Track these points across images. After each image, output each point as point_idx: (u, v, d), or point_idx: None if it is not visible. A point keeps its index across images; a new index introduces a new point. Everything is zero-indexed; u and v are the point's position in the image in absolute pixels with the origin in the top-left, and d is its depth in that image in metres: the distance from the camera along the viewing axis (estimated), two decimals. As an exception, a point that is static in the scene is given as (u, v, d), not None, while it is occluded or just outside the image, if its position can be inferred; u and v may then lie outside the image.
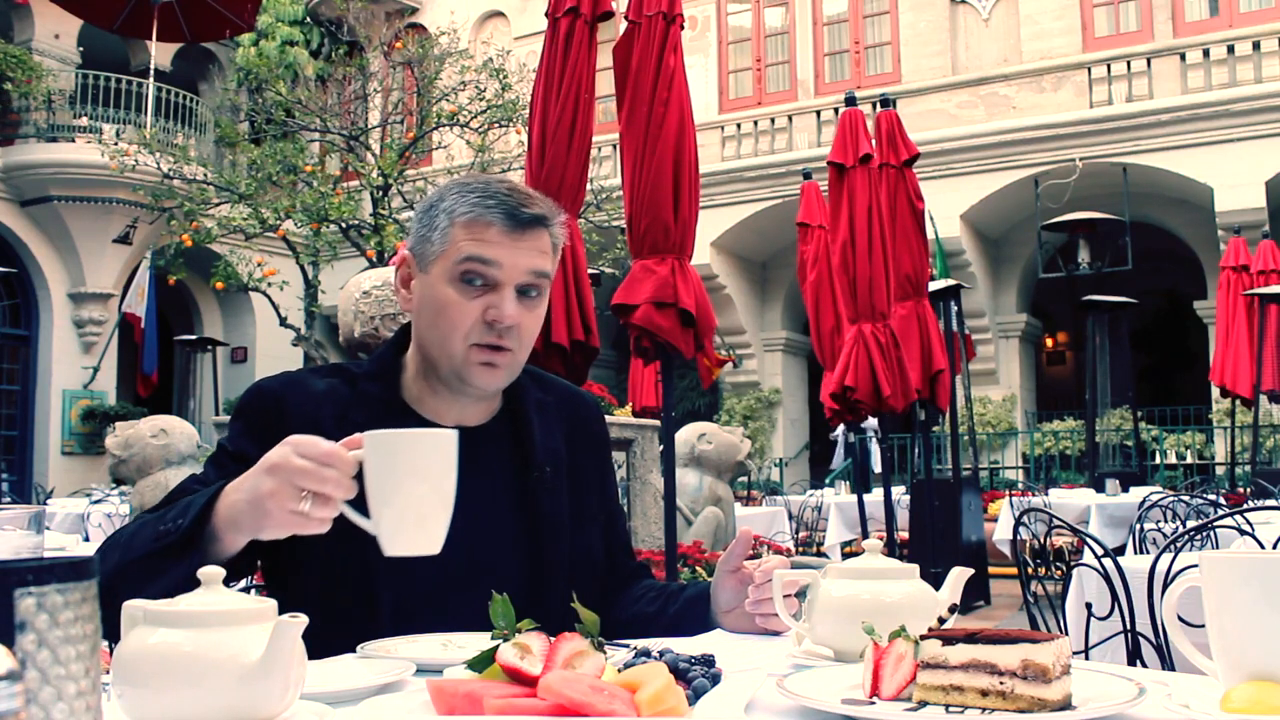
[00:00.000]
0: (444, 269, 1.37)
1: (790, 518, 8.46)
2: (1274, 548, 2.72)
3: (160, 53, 13.86)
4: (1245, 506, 3.91)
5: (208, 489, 1.21)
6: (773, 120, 14.50)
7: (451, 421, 1.44)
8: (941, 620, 1.09)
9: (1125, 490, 7.84)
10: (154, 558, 1.19)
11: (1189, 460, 12.72)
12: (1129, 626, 2.48)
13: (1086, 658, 2.50)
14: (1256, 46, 12.03)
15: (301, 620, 0.84)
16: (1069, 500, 7.82)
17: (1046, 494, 8.56)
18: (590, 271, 5.45)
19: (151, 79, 13.70)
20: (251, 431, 1.39)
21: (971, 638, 0.92)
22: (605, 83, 4.55)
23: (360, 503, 1.08)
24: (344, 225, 11.36)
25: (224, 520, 1.16)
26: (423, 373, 1.44)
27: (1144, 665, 2.47)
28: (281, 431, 1.33)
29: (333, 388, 1.42)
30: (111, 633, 0.89)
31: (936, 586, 1.19)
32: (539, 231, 1.39)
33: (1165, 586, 2.23)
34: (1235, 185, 11.56)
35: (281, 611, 0.87)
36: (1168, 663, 2.37)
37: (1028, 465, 13.48)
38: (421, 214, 1.43)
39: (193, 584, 1.15)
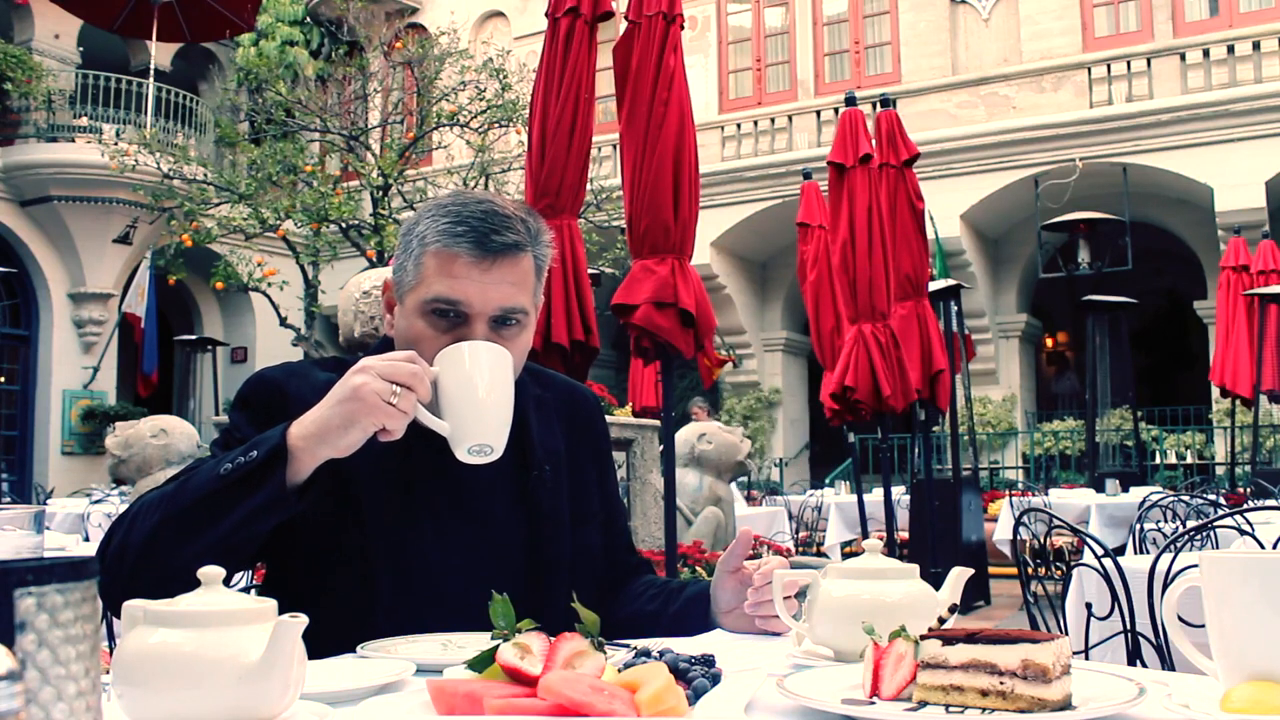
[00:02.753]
0: (416, 303, 1.34)
1: (790, 518, 8.45)
2: (1274, 548, 2.72)
3: (160, 53, 13.85)
4: (1245, 506, 3.91)
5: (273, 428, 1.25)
6: (773, 120, 14.50)
7: None
8: (941, 620, 1.09)
9: (1125, 490, 7.84)
10: (216, 496, 1.21)
11: (1189, 460, 12.72)
12: (1129, 626, 2.48)
13: (1086, 658, 2.50)
14: (1256, 46, 12.03)
15: (301, 620, 0.84)
16: (1069, 500, 7.81)
17: (1046, 494, 8.56)
18: (590, 271, 5.45)
19: (151, 79, 13.70)
20: (256, 419, 1.38)
21: (971, 638, 0.92)
22: (605, 83, 4.55)
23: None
24: (344, 225, 11.35)
25: (305, 438, 1.21)
26: None
27: (1144, 665, 2.47)
28: (285, 419, 1.34)
29: (332, 381, 1.42)
30: (156, 588, 0.92)
31: (936, 586, 1.19)
32: (514, 259, 1.33)
33: (1165, 586, 2.23)
34: (1235, 185, 11.56)
35: (281, 611, 0.87)
36: (1168, 663, 2.37)
37: (1028, 465, 13.48)
38: (402, 237, 1.40)
39: (266, 517, 1.21)
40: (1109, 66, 12.74)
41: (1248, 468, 9.86)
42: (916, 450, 8.23)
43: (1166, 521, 4.48)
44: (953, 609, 1.13)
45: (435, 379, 1.24)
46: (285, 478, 1.21)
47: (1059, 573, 5.05)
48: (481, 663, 0.91)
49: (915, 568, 1.20)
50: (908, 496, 7.94)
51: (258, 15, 13.66)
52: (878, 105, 7.07)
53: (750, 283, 15.48)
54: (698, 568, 4.50)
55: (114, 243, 13.79)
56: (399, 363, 1.21)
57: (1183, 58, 12.35)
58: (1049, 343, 17.11)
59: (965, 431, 9.91)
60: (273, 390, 1.40)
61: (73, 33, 14.33)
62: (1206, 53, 12.24)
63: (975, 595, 7.33)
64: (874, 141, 6.53)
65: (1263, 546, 2.94)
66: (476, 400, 1.25)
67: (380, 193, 11.28)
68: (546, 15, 4.36)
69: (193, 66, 16.27)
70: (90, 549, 4.18)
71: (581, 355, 4.12)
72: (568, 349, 4.02)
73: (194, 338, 15.03)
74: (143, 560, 1.21)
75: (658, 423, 5.33)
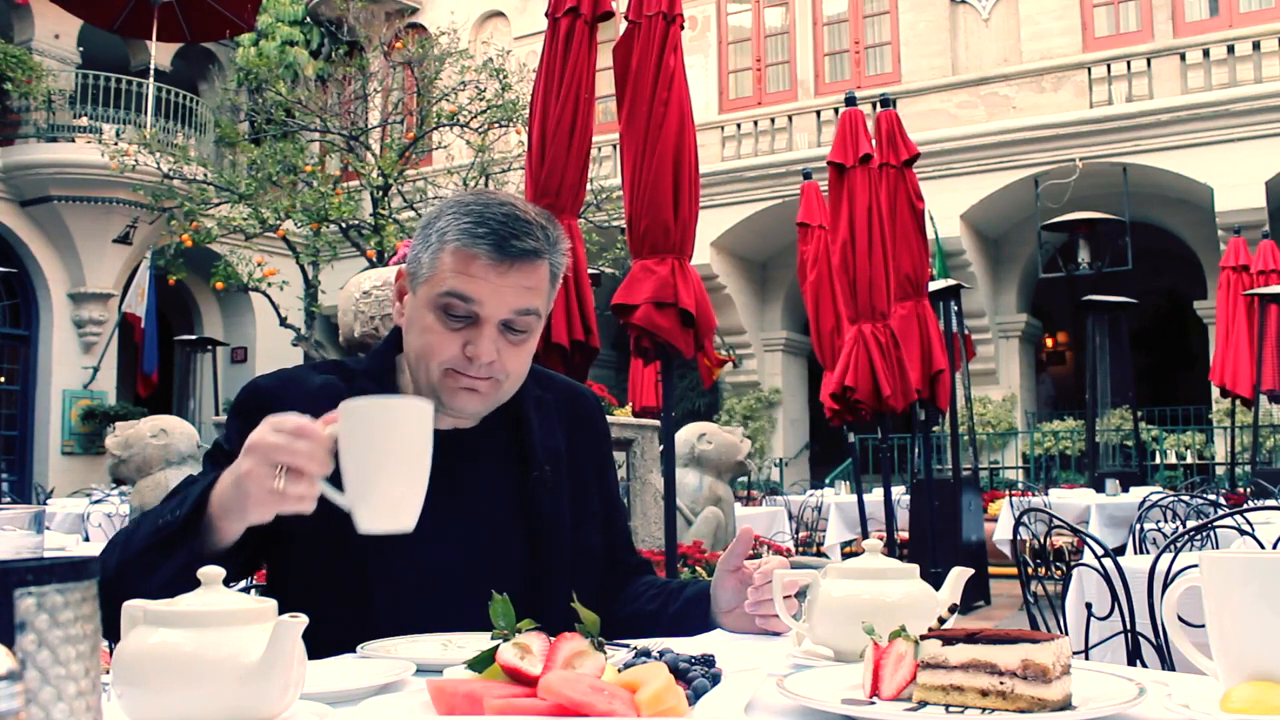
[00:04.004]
0: (428, 295, 1.34)
1: (790, 518, 8.45)
2: (1274, 548, 2.72)
3: (160, 53, 13.86)
4: (1245, 506, 3.91)
5: (206, 477, 1.22)
6: (773, 120, 14.50)
7: (449, 424, 1.43)
8: (941, 620, 1.08)
9: (1125, 490, 7.84)
10: (152, 551, 1.19)
11: (1189, 460, 12.72)
12: (1129, 626, 2.48)
13: (1086, 658, 2.50)
14: (1256, 46, 12.03)
15: (301, 620, 0.84)
16: (1069, 500, 7.82)
17: (1046, 494, 8.56)
18: (590, 271, 5.45)
19: (151, 79, 13.70)
20: (248, 430, 1.38)
21: (971, 638, 0.92)
22: (605, 83, 4.55)
23: (340, 480, 1.06)
24: (344, 225, 11.36)
25: (217, 507, 1.16)
26: (414, 381, 1.43)
27: (1144, 665, 2.47)
28: None
29: (329, 384, 1.42)
30: (112, 632, 0.89)
31: (936, 586, 1.19)
32: (531, 264, 1.33)
33: (1165, 586, 2.23)
34: (1235, 185, 11.57)
35: (282, 611, 0.87)
36: (1168, 663, 2.37)
37: (1028, 465, 13.48)
38: (422, 227, 1.40)
39: (190, 578, 1.16)
40: (1109, 66, 12.74)
41: (1248, 468, 9.86)
42: (916, 450, 8.23)
43: (1166, 521, 4.48)
44: (953, 609, 1.13)
45: (335, 436, 1.06)
46: (201, 545, 1.16)
47: (1059, 573, 5.05)
48: (481, 663, 0.91)
49: (915, 568, 1.20)
50: (908, 496, 7.94)
51: (258, 15, 13.66)
52: (878, 105, 7.07)
53: (750, 283, 15.48)
54: (698, 568, 4.49)
55: (114, 243, 13.79)
56: (284, 441, 1.06)
57: (1183, 58, 12.35)
58: (1049, 343, 17.11)
59: (965, 431, 9.91)
60: (265, 400, 1.39)
61: (73, 33, 14.33)
62: (1206, 53, 12.24)
63: (975, 595, 7.33)
64: (874, 141, 6.52)
65: (1263, 546, 2.94)
66: (380, 478, 1.03)
67: (380, 193, 11.28)
68: (546, 15, 4.36)
69: (193, 66, 16.27)
70: (90, 549, 4.19)
71: (581, 355, 4.12)
72: (568, 349, 4.02)
73: (194, 338, 15.03)
74: (109, 598, 1.21)
75: (658, 423, 5.33)
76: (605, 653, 0.90)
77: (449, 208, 1.37)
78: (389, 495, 1.04)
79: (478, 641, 1.17)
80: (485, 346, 1.32)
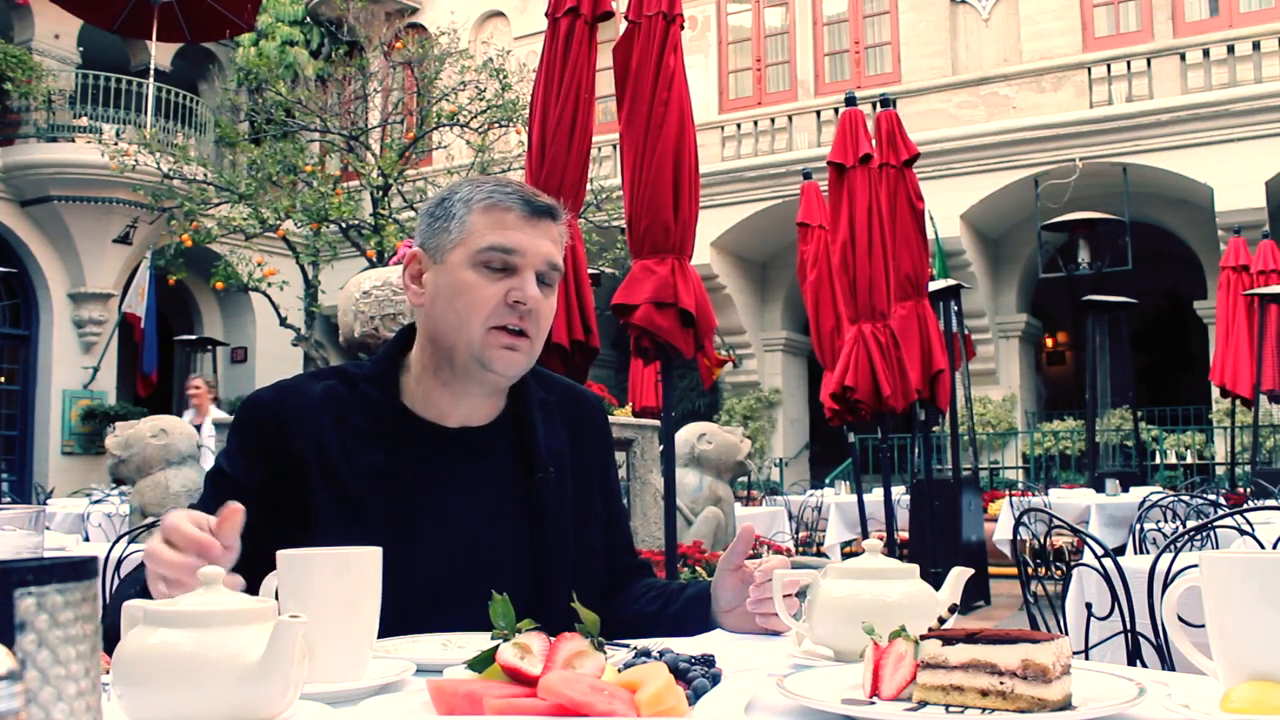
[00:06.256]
0: (464, 255, 1.38)
1: (790, 518, 8.44)
2: (1274, 548, 2.72)
3: (160, 53, 13.85)
4: (1245, 506, 3.92)
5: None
6: (773, 120, 14.50)
7: (456, 422, 1.43)
8: (941, 620, 1.08)
9: (1125, 490, 7.83)
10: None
11: (1189, 460, 12.72)
12: (1129, 626, 2.48)
13: (1086, 658, 2.50)
14: (1256, 46, 12.03)
15: (302, 620, 0.84)
16: (1069, 500, 7.81)
17: (1046, 494, 8.55)
18: (590, 271, 5.44)
19: (151, 79, 13.69)
20: (249, 447, 1.38)
21: (971, 638, 0.92)
22: (605, 83, 4.55)
23: None
24: (344, 225, 11.36)
25: None
26: (430, 371, 1.43)
27: (1144, 665, 2.47)
28: (281, 443, 1.34)
29: (330, 390, 1.41)
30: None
31: (936, 586, 1.19)
32: (552, 221, 1.43)
33: (1165, 586, 2.23)
34: (1235, 185, 11.56)
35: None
36: (1168, 663, 2.37)
37: (1028, 465, 13.48)
38: (433, 208, 1.44)
39: None
40: (1109, 66, 12.73)
41: (1248, 468, 9.86)
42: (916, 450, 8.23)
43: (1166, 521, 4.48)
44: (953, 609, 1.13)
45: (277, 588, 1.05)
46: None
47: (1059, 573, 5.05)
48: (481, 663, 0.91)
49: (915, 568, 1.20)
50: (908, 496, 7.93)
51: (258, 15, 13.65)
52: (878, 105, 7.06)
53: (750, 283, 15.47)
54: (698, 568, 4.49)
55: (114, 243, 13.79)
56: (163, 554, 1.04)
57: (1183, 58, 12.35)
58: (1049, 343, 17.10)
59: (965, 431, 9.91)
60: (266, 413, 1.39)
61: (73, 33, 14.32)
62: (1206, 53, 12.24)
63: (975, 595, 7.33)
64: (874, 141, 6.52)
65: (1263, 546, 2.94)
66: (317, 632, 0.95)
67: (380, 193, 11.28)
68: (546, 15, 4.36)
69: (193, 66, 16.26)
70: (90, 549, 4.18)
71: (581, 355, 4.12)
72: (568, 349, 4.02)
73: (194, 338, 15.03)
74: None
75: (658, 423, 5.33)
76: (605, 653, 0.90)
77: (463, 184, 1.44)
78: (329, 648, 1.00)
79: (478, 641, 1.17)
80: (530, 289, 1.37)
